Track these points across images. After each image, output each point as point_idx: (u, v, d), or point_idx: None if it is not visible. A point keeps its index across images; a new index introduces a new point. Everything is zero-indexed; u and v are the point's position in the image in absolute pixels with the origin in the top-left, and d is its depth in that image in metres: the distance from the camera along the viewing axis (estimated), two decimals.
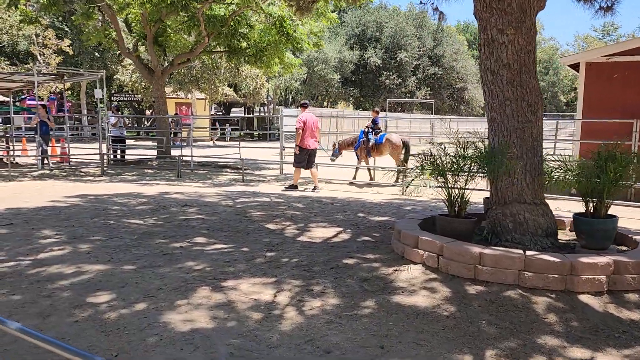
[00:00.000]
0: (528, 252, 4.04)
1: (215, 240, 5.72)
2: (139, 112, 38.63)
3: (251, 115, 39.64)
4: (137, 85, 29.00)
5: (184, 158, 14.66)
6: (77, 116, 28.01)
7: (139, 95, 31.48)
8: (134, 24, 16.07)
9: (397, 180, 11.53)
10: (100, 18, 17.26)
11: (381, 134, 12.48)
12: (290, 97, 46.59)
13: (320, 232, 6.10)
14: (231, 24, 14.42)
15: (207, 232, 6.11)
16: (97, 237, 5.74)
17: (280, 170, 14.13)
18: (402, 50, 39.23)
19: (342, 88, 39.56)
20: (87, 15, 15.59)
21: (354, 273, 4.49)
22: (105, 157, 14.82)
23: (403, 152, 12.16)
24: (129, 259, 4.93)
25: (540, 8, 4.95)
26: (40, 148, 13.83)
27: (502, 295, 3.86)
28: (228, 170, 15.66)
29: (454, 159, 4.89)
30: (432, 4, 7.99)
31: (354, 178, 12.64)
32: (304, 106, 11.02)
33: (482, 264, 4.05)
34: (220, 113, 45.40)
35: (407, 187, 5.01)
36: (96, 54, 32.94)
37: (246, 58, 16.01)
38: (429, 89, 41.30)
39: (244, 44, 15.62)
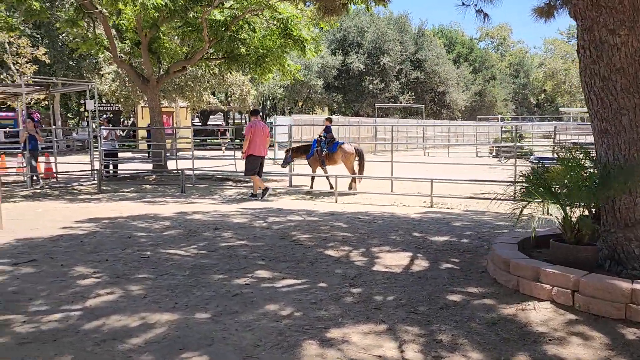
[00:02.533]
0: None
1: (280, 273, 5.03)
2: (113, 123, 37.19)
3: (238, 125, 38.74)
4: (117, 94, 27.80)
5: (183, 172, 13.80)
6: (50, 128, 26.62)
7: (120, 105, 30.24)
8: (126, 30, 15.15)
9: (350, 189, 11.82)
10: (85, 25, 16.30)
11: (334, 142, 12.37)
12: (273, 104, 45.87)
13: (391, 259, 5.48)
14: (233, 29, 13.68)
15: (265, 262, 5.41)
16: (143, 275, 4.97)
17: (290, 183, 13.45)
18: (385, 55, 38.98)
19: (325, 94, 39.03)
20: (73, 22, 14.62)
21: (472, 314, 3.88)
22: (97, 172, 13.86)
23: (357, 160, 12.20)
24: (196, 303, 4.20)
25: None
26: (30, 165, 12.79)
27: None
28: (230, 183, 14.89)
29: (569, 177, 4.33)
30: (476, 5, 7.52)
31: (311, 187, 12.34)
32: (254, 114, 11.24)
33: (636, 302, 3.49)
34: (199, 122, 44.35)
35: (517, 217, 4.33)
36: (71, 62, 31.55)
37: (246, 64, 15.28)
38: (412, 93, 41.17)
39: (243, 50, 14.89)
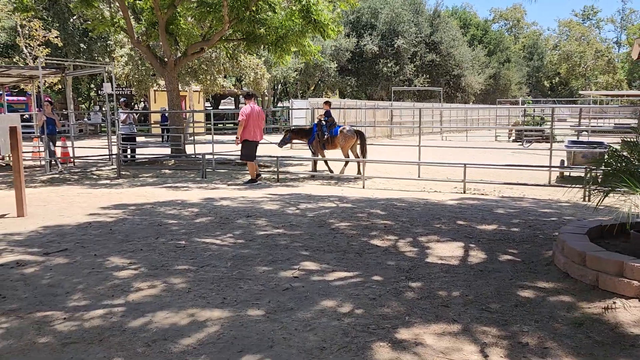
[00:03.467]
0: None
1: (328, 265, 4.71)
2: (131, 107, 36.87)
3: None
4: (130, 78, 27.41)
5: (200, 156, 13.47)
6: (64, 112, 26.37)
7: (132, 89, 29.89)
8: (142, 11, 14.73)
9: (342, 172, 11.83)
10: (102, 6, 15.91)
11: (335, 126, 12.18)
12: (284, 88, 45.34)
13: (443, 250, 5.13)
14: (253, 8, 13.22)
15: (309, 253, 5.09)
16: (183, 266, 4.68)
17: (313, 167, 13.09)
18: (399, 37, 38.21)
19: (338, 77, 38.43)
20: (87, 3, 14.22)
21: (552, 313, 3.54)
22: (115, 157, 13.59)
23: (359, 143, 12.04)
24: (246, 299, 3.90)
25: None
26: (48, 149, 12.52)
27: None
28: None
29: None
30: None
31: (314, 170, 12.35)
32: (249, 97, 10.97)
33: None
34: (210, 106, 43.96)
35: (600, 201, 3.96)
36: (82, 45, 31.17)
37: (265, 46, 14.83)
38: (427, 76, 40.43)
39: (262, 31, 14.43)
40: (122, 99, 16.11)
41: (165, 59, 14.57)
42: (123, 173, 12.82)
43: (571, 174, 11.47)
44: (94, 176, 12.78)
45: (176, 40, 14.99)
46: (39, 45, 25.27)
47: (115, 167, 13.28)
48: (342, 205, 7.78)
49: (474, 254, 4.97)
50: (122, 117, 14.30)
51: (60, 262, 4.82)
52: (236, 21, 13.23)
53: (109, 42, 29.85)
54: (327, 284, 4.20)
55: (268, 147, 13.75)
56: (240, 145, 10.78)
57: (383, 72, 38.37)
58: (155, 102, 34.39)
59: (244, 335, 3.28)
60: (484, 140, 24.40)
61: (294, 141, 13.26)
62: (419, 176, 11.36)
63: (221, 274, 4.45)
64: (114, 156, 13.90)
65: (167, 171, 13.72)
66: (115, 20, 14.29)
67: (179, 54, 15.45)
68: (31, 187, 10.56)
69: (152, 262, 4.79)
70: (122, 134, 14.23)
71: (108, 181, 11.80)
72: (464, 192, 9.69)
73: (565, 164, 11.26)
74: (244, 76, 29.05)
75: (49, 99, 13.60)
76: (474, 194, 9.63)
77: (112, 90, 13.95)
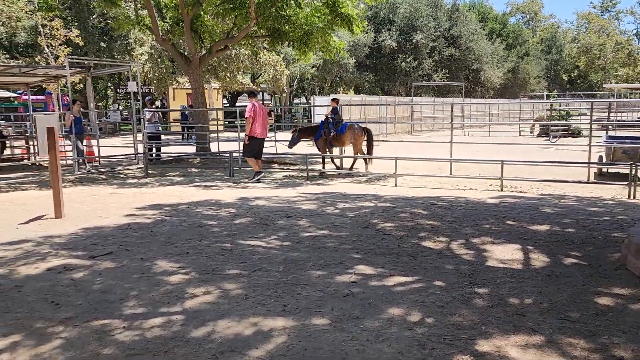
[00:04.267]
0: None
1: (384, 269, 4.52)
2: (143, 104, 36.96)
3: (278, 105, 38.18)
4: (149, 76, 27.46)
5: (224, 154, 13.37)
6: (85, 111, 26.44)
7: (152, 87, 29.96)
8: (167, 8, 14.63)
9: (351, 169, 11.97)
10: (125, 4, 15.87)
11: (342, 123, 12.16)
12: (300, 85, 45.13)
13: (501, 253, 4.92)
14: (279, 4, 13.04)
15: (360, 256, 4.91)
16: (234, 271, 4.53)
17: (340, 165, 12.90)
18: (418, 32, 37.78)
19: (356, 73, 38.12)
20: (111, 2, 14.16)
21: (639, 323, 3.32)
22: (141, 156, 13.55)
23: (366, 140, 11.96)
24: (307, 306, 3.73)
25: None
26: (77, 149, 12.49)
27: None
28: (276, 165, 14.43)
29: None
30: None
31: (323, 167, 12.43)
32: (251, 95, 11.17)
33: None
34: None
35: None
36: (102, 44, 31.28)
37: (290, 42, 14.65)
38: (446, 71, 39.94)
39: (287, 27, 14.25)
40: (147, 98, 16.05)
41: (190, 57, 14.47)
42: (150, 172, 12.76)
43: (609, 170, 11.14)
44: (122, 175, 12.74)
45: (200, 37, 14.88)
46: (60, 44, 25.36)
47: (141, 166, 13.23)
48: (381, 205, 7.59)
49: (535, 257, 4.74)
50: (148, 115, 14.24)
51: (108, 267, 4.70)
52: (262, 18, 13.06)
53: (129, 40, 29.90)
54: (388, 290, 4.02)
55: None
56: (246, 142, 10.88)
57: (401, 67, 37.99)
58: (174, 100, 34.45)
59: (315, 347, 3.12)
60: (507, 136, 24.00)
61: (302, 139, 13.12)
62: (450, 173, 11.14)
63: (276, 279, 4.30)
64: (140, 155, 13.85)
65: (193, 169, 13.65)
66: (140, 18, 14.21)
67: (204, 52, 15.34)
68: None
69: (201, 266, 4.65)
70: (148, 133, 14.17)
71: (136, 180, 11.74)
72: (502, 190, 9.44)
73: (604, 160, 10.93)
74: (263, 73, 28.90)
75: (66, 99, 13.57)
76: (512, 191, 9.38)
77: (137, 88, 13.89)
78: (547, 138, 20.87)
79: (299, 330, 3.35)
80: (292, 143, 12.59)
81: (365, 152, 12.16)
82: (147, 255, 5.04)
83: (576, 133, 21.96)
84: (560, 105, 22.36)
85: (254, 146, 10.74)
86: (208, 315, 3.60)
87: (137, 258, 4.94)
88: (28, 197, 9.18)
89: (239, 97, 48.30)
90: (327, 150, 12.29)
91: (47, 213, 7.17)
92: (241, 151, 13.83)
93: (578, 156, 13.04)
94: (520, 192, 9.31)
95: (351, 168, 12.06)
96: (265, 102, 45.75)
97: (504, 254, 4.88)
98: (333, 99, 12.93)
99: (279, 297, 3.92)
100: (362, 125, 12.59)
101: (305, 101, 45.82)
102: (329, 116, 12.14)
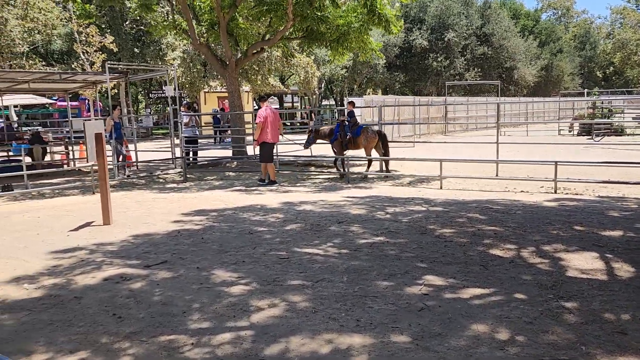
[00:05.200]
0: None
1: (455, 279, 4.25)
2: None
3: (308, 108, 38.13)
4: (182, 80, 27.63)
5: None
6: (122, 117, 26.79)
7: (184, 91, 30.16)
8: (202, 12, 14.60)
9: (367, 171, 11.78)
10: (162, 10, 15.93)
11: (358, 126, 12.05)
12: (328, 86, 44.93)
13: (579, 261, 4.59)
14: (316, 4, 12.85)
15: (426, 265, 4.65)
16: (296, 281, 4.32)
17: (382, 167, 12.62)
18: (450, 30, 37.14)
19: (387, 73, 37.70)
20: (147, 7, 14.20)
21: None
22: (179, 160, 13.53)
23: (380, 144, 11.86)
24: (381, 320, 3.49)
25: None
26: (118, 153, 12.53)
27: None
28: (313, 168, 14.23)
29: None
30: None
31: (337, 169, 12.16)
32: (263, 100, 11.09)
33: None
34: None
35: None
36: (135, 49, 31.71)
37: (326, 43, 14.45)
38: (479, 69, 39.16)
39: (323, 28, 14.04)
40: (185, 102, 16.07)
41: (226, 60, 14.40)
42: (188, 176, 12.71)
43: None
44: (161, 180, 12.71)
45: (236, 40, 14.80)
46: (95, 51, 25.77)
47: (180, 170, 13.20)
48: (433, 209, 7.30)
49: (618, 267, 4.40)
50: (186, 119, 14.22)
51: (165, 277, 4.55)
52: (300, 19, 12.89)
53: (161, 45, 30.24)
54: (466, 303, 3.75)
55: (325, 147, 13.35)
56: (257, 147, 10.94)
57: (433, 67, 37.40)
58: (205, 104, 34.65)
59: None
60: (545, 135, 23.29)
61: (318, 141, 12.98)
62: (496, 175, 10.73)
63: (342, 291, 4.07)
64: (177, 159, 13.83)
65: (230, 173, 13.54)
66: (177, 22, 14.21)
67: (239, 55, 15.27)
68: None
69: (261, 276, 4.46)
70: (185, 137, 14.15)
71: (175, 185, 11.68)
72: (555, 192, 9.01)
73: None
74: (295, 75, 28.80)
75: (99, 104, 13.66)
76: (566, 194, 8.94)
77: (175, 92, 13.87)
78: (590, 137, 20.13)
79: (380, 348, 3.11)
80: (308, 143, 12.60)
81: (381, 155, 12.06)
82: (203, 264, 4.88)
83: (619, 131, 21.15)
84: (602, 103, 21.57)
85: (269, 151, 10.72)
86: (278, 330, 3.40)
87: (192, 267, 4.78)
88: (74, 203, 9.19)
89: (268, 100, 48.45)
90: (342, 153, 12.25)
91: (95, 219, 7.12)
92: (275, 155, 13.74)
93: (626, 156, 12.49)
94: (576, 194, 8.87)
95: (367, 170, 11.90)
96: (294, 104, 45.70)
97: (583, 262, 4.55)
98: (349, 102, 12.92)
99: (349, 310, 3.69)
100: (376, 128, 12.51)
101: (334, 102, 45.59)
102: (345, 119, 12.11)
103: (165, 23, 14.47)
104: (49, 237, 6.29)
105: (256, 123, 10.72)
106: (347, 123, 12.02)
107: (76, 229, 6.63)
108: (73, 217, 7.63)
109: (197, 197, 9.35)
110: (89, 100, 35.65)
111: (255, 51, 14.75)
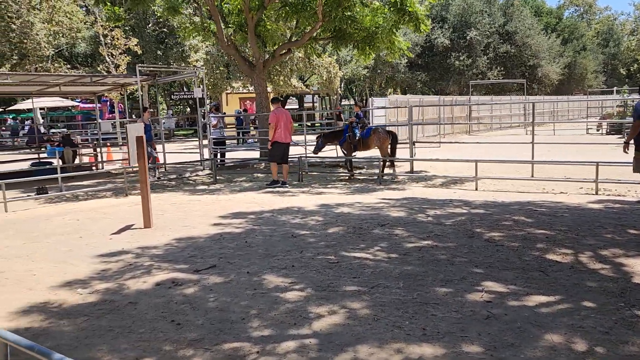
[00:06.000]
0: None
1: (516, 286, 4.12)
2: (194, 110, 37.58)
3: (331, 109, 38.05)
4: (206, 82, 27.77)
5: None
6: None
7: (207, 92, 30.31)
8: (230, 14, 14.61)
9: (382, 171, 11.70)
10: (189, 12, 15.98)
11: (367, 127, 12.07)
12: (348, 87, 44.81)
13: None
14: (344, 4, 12.76)
15: (482, 270, 4.52)
16: (352, 287, 4.23)
17: (411, 168, 12.48)
18: (472, 29, 36.73)
19: (408, 73, 37.43)
20: (174, 10, 14.23)
21: None
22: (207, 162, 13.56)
23: (390, 143, 11.87)
24: (448, 329, 3.39)
25: None
26: (147, 156, 12.57)
27: None
28: (341, 169, 14.14)
29: None
30: None
31: (349, 170, 12.24)
32: (275, 101, 11.17)
33: None
34: None
35: None
36: (158, 52, 31.98)
37: (354, 43, 14.35)
38: (502, 68, 38.67)
39: (351, 28, 13.94)
40: (213, 104, 16.11)
41: (254, 62, 14.39)
42: (218, 178, 12.72)
43: None
44: (191, 181, 12.74)
45: (263, 41, 14.78)
46: (120, 53, 26.04)
47: (209, 171, 13.22)
48: (475, 212, 7.15)
49: None
50: (214, 121, 14.25)
51: (216, 281, 4.50)
52: (328, 19, 12.81)
53: (184, 47, 30.46)
54: (533, 312, 3.62)
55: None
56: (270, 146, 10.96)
57: (455, 65, 37.03)
58: (227, 105, 34.80)
59: None
60: (573, 134, 22.85)
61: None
62: (532, 175, 10.52)
63: (401, 297, 3.97)
64: (206, 161, 13.86)
65: (259, 175, 13.51)
66: (205, 24, 14.25)
67: (267, 56, 15.25)
68: (134, 194, 10.58)
69: (314, 282, 4.39)
70: (213, 139, 14.18)
71: (206, 187, 11.68)
72: (596, 193, 8.78)
73: None
74: (317, 75, 28.74)
75: (120, 106, 13.74)
76: (608, 195, 8.71)
77: (203, 94, 13.91)
78: (620, 136, 19.67)
79: (453, 359, 3.01)
80: (318, 148, 12.56)
81: (390, 155, 12.02)
82: (252, 268, 4.82)
83: None
84: (634, 102, 20.98)
85: (278, 151, 10.78)
86: (343, 339, 3.31)
87: (243, 272, 4.73)
88: (109, 206, 9.23)
89: (287, 100, 48.48)
90: (351, 154, 12.27)
91: (134, 222, 7.12)
92: (307, 154, 13.69)
93: None
94: (618, 195, 8.64)
95: (382, 171, 11.82)
96: (314, 104, 45.59)
97: None
98: (356, 104, 12.94)
99: (412, 318, 3.59)
100: (388, 128, 12.53)
101: (353, 103, 45.45)
102: (354, 121, 12.08)
103: (192, 26, 14.49)
104: (91, 240, 6.30)
105: (269, 124, 10.87)
106: (355, 125, 12.02)
107: (118, 232, 6.64)
108: (111, 219, 7.65)
109: (231, 200, 9.32)
110: (110, 102, 36.16)
111: (282, 52, 14.71)
